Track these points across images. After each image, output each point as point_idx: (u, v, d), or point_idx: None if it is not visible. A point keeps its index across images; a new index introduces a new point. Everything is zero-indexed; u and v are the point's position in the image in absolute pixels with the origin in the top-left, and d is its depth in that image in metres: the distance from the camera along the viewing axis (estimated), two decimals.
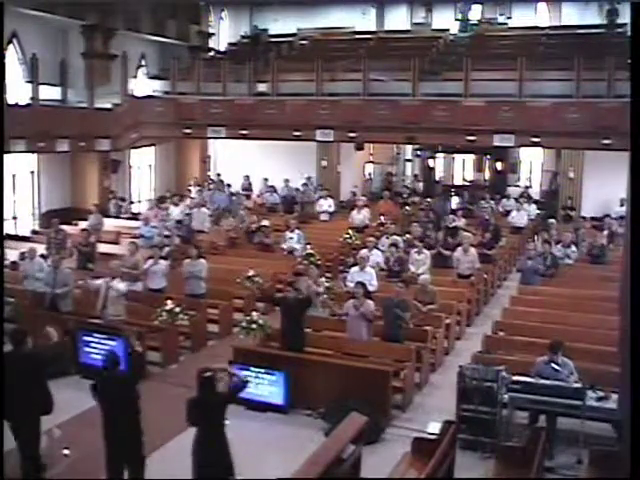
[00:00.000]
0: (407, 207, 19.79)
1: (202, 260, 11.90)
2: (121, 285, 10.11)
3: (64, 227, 15.34)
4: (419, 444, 6.79)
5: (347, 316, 9.66)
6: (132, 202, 21.22)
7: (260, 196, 21.56)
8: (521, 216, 17.84)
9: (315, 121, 17.98)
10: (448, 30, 24.00)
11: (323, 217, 18.80)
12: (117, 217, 18.59)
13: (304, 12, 25.48)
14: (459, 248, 13.08)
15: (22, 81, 18.41)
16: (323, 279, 11.34)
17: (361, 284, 9.69)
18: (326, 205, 18.94)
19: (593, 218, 17.73)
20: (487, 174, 25.15)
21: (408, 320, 9.80)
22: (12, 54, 18.45)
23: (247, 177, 22.20)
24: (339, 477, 5.22)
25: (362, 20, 25.41)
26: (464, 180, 25.69)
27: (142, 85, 21.35)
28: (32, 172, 18.40)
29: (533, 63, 17.39)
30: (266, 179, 21.50)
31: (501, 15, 24.68)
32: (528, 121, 16.22)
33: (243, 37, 26.12)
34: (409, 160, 26.63)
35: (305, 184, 21.05)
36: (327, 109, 17.89)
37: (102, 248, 14.74)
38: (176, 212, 17.48)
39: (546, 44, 21.08)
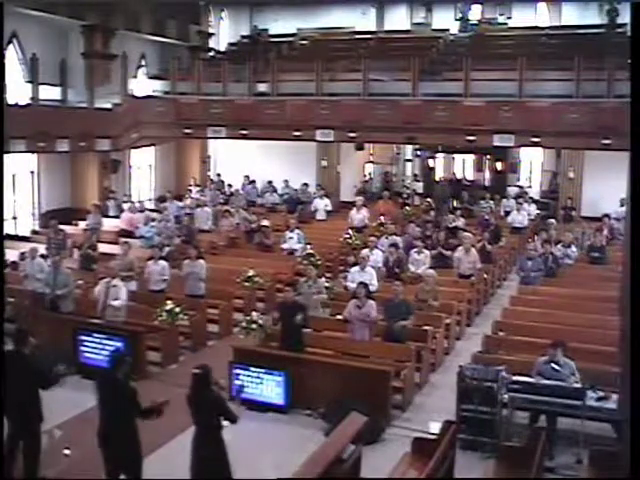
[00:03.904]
0: (407, 207, 19.81)
1: (201, 261, 11.88)
2: (122, 293, 10.10)
3: (64, 227, 15.36)
4: (419, 444, 6.79)
5: (349, 316, 9.63)
6: (132, 202, 21.20)
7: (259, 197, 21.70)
8: (521, 216, 17.83)
9: (315, 121, 17.99)
10: (448, 30, 23.98)
11: (320, 216, 18.79)
12: (118, 217, 18.55)
13: (304, 12, 25.47)
14: (460, 248, 13.08)
15: (22, 81, 18.42)
16: (323, 279, 11.34)
17: (363, 284, 9.65)
18: (322, 205, 18.94)
19: (593, 218, 17.73)
20: (487, 174, 25.19)
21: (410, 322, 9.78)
22: (12, 54, 18.46)
23: (248, 177, 22.17)
24: (339, 477, 5.22)
25: (362, 20, 25.38)
26: (464, 180, 25.69)
27: (142, 85, 21.34)
28: (32, 172, 18.41)
29: (533, 63, 17.39)
30: (270, 182, 21.54)
31: (501, 15, 24.64)
32: (528, 121, 16.22)
33: (243, 37, 26.12)
34: (409, 160, 26.62)
35: (305, 184, 21.05)
36: (327, 109, 17.89)
37: (102, 248, 14.75)
38: (173, 208, 17.65)
39: (546, 44, 21.09)
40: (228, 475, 6.24)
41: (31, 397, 6.73)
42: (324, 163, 22.05)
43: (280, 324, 9.41)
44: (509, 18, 24.54)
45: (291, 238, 14.92)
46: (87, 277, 12.74)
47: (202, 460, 6.16)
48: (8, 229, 16.99)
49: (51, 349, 9.60)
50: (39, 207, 18.62)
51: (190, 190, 21.13)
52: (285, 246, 14.92)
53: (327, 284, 11.44)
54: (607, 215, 16.15)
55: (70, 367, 9.66)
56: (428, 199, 20.93)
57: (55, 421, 7.69)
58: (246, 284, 12.41)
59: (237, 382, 8.52)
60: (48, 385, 6.95)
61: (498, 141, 16.90)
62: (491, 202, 19.82)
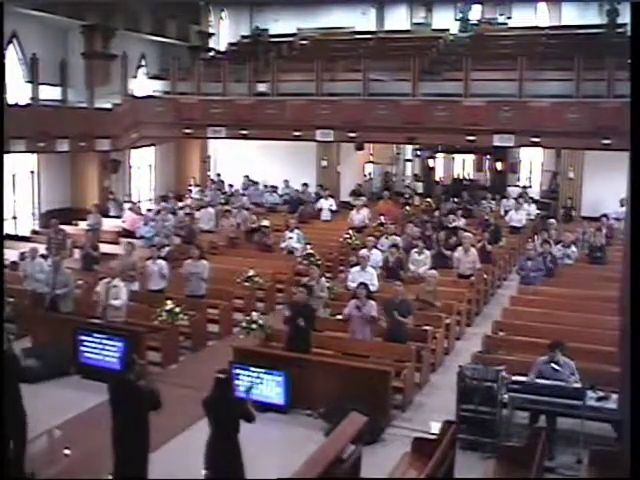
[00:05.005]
0: (407, 207, 19.81)
1: (204, 261, 11.89)
2: (122, 294, 10.10)
3: (64, 227, 15.37)
4: (419, 444, 6.79)
5: (350, 316, 9.62)
6: (133, 203, 21.20)
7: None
8: (519, 215, 17.84)
9: (315, 121, 17.96)
10: (448, 30, 23.98)
11: (324, 217, 18.80)
12: (119, 217, 18.56)
13: (304, 12, 25.46)
14: (459, 248, 13.08)
15: (22, 81, 18.42)
16: (323, 279, 11.34)
17: (364, 285, 9.65)
18: (327, 205, 18.94)
19: (593, 218, 17.74)
20: (487, 174, 25.18)
21: (410, 321, 9.78)
22: (12, 54, 18.45)
23: (248, 177, 22.15)
24: (339, 477, 5.22)
25: (362, 20, 25.38)
26: (464, 180, 25.69)
27: (142, 85, 21.35)
28: (32, 172, 18.41)
29: (533, 63, 17.38)
30: (275, 186, 21.52)
31: (501, 15, 24.62)
32: (528, 121, 16.20)
33: (243, 37, 26.13)
34: (409, 160, 26.63)
35: (305, 184, 21.05)
36: (327, 109, 17.86)
37: (102, 248, 14.75)
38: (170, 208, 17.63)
39: (546, 44, 21.09)
40: (242, 477, 6.26)
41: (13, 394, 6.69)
42: (324, 163, 22.05)
43: (288, 325, 9.34)
44: (509, 18, 24.53)
45: (291, 238, 14.92)
46: (87, 277, 12.75)
47: (218, 463, 6.16)
48: (8, 229, 16.99)
49: (51, 349, 9.64)
50: (39, 207, 18.62)
51: (190, 190, 21.14)
52: (284, 245, 14.93)
53: (327, 284, 11.44)
54: (605, 215, 16.16)
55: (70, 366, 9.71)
56: (428, 199, 20.92)
57: (55, 421, 7.69)
58: (246, 284, 12.42)
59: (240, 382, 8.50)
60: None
61: (498, 141, 16.88)
62: (492, 202, 19.82)
